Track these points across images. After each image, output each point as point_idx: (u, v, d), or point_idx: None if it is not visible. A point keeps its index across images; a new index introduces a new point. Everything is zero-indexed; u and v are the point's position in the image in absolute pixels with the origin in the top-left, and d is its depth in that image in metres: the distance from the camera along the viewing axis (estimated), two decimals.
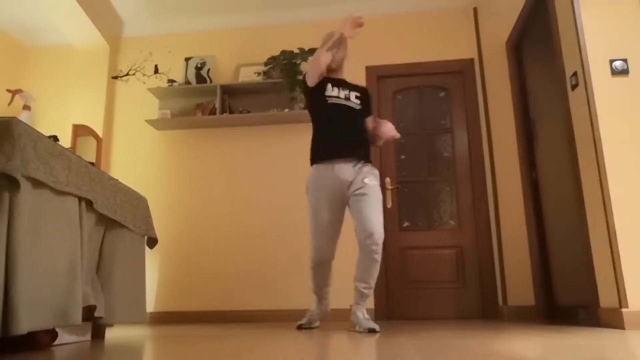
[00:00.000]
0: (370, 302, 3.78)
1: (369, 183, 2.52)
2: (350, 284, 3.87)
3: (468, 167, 4.03)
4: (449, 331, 2.30)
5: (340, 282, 3.69)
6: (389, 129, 2.61)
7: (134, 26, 4.59)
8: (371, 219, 2.44)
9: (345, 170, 2.56)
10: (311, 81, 2.63)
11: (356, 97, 2.69)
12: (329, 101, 2.63)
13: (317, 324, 2.80)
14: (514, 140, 3.67)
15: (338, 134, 2.59)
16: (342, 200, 2.61)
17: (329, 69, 2.71)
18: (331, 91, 2.65)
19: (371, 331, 2.36)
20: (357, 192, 2.52)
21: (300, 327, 2.72)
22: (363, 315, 2.52)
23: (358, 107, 2.66)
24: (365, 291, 2.54)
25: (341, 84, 2.72)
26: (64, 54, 4.69)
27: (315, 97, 2.68)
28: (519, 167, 3.61)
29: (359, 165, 2.58)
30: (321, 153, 2.61)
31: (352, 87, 2.73)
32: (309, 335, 2.24)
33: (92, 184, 2.03)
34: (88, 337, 2.27)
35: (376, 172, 2.63)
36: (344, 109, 2.63)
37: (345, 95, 2.66)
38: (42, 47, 4.75)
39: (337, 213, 2.61)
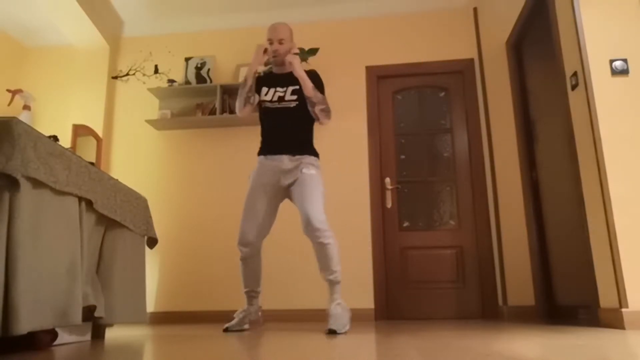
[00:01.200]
0: (370, 302, 3.78)
1: (306, 172, 2.58)
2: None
3: (468, 167, 4.03)
4: (449, 331, 2.30)
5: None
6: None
7: (134, 26, 4.59)
8: (306, 206, 2.48)
9: (283, 160, 2.65)
10: (240, 115, 2.81)
11: (293, 91, 2.71)
12: (262, 105, 2.76)
13: (246, 326, 2.72)
14: (514, 140, 3.67)
15: (272, 135, 2.73)
16: (277, 191, 2.66)
17: (275, 64, 2.80)
18: (264, 95, 2.75)
19: (331, 332, 2.29)
20: (295, 182, 2.60)
21: (226, 330, 2.62)
22: (334, 311, 2.42)
23: (293, 105, 2.70)
24: (331, 277, 2.49)
25: (278, 82, 2.76)
26: (64, 54, 4.69)
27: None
28: (519, 167, 3.61)
29: (297, 156, 2.64)
30: (262, 148, 2.76)
31: (293, 80, 2.73)
32: (309, 336, 2.24)
33: (92, 184, 2.03)
34: (88, 337, 2.27)
35: (316, 162, 2.68)
36: (276, 112, 2.71)
37: (279, 96, 2.72)
38: (42, 47, 4.75)
39: (268, 202, 2.65)
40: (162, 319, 3.95)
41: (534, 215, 3.40)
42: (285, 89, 2.73)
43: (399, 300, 3.87)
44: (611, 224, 2.26)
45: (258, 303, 2.77)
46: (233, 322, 2.66)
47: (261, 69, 2.92)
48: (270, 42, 2.72)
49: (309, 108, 2.67)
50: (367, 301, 3.79)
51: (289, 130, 2.70)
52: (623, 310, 2.14)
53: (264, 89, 2.78)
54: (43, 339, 1.81)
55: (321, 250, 2.49)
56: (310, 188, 2.55)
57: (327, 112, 2.68)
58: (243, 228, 2.63)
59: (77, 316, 1.78)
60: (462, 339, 1.82)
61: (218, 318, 3.89)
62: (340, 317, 2.40)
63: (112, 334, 2.61)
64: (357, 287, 3.82)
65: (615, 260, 2.23)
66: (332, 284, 2.50)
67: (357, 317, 3.74)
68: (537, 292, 3.32)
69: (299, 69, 2.63)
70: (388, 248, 3.94)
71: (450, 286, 3.84)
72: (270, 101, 2.73)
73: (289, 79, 2.74)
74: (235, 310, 3.89)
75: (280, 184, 2.65)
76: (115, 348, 1.79)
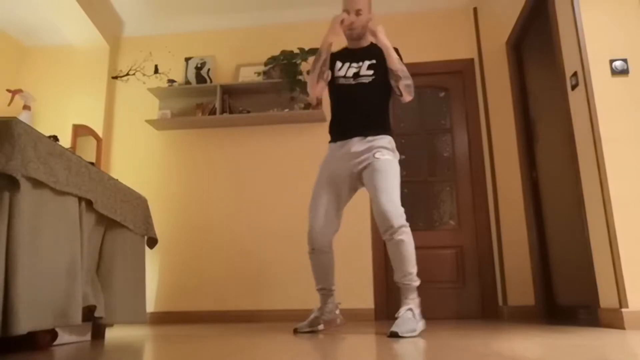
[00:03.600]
0: (370, 302, 3.78)
1: (379, 157, 2.32)
2: (349, 283, 3.84)
3: (468, 167, 4.03)
4: (449, 331, 2.29)
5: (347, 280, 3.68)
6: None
7: (134, 26, 4.59)
8: (381, 199, 2.22)
9: (354, 143, 2.40)
10: (310, 98, 2.63)
11: (369, 66, 2.46)
12: (336, 82, 2.51)
13: (320, 327, 2.46)
14: (514, 140, 3.67)
15: (344, 116, 2.47)
16: (348, 180, 2.43)
17: (350, 38, 2.54)
18: (339, 70, 2.51)
19: (393, 335, 2.02)
20: (367, 168, 2.34)
21: (295, 331, 2.42)
22: (401, 314, 2.14)
23: (369, 80, 2.44)
24: (406, 282, 2.19)
25: (353, 57, 2.52)
26: (64, 54, 4.69)
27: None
28: (519, 167, 3.61)
29: (370, 138, 2.38)
30: (332, 133, 2.52)
31: (369, 54, 2.50)
32: (309, 336, 2.24)
33: (92, 184, 2.03)
34: (88, 337, 2.27)
35: (390, 144, 2.41)
36: (350, 90, 2.46)
37: (354, 72, 2.47)
38: (42, 47, 4.75)
39: (336, 194, 2.43)
40: (162, 319, 3.95)
41: (534, 215, 3.40)
42: (360, 63, 2.47)
43: (399, 300, 3.85)
44: (611, 224, 2.26)
45: (334, 301, 2.52)
46: (304, 322, 2.45)
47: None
48: (347, 12, 2.44)
49: (392, 83, 2.41)
50: (367, 301, 3.79)
51: (363, 108, 2.44)
52: (623, 310, 2.14)
53: (338, 64, 2.52)
54: (43, 339, 1.81)
55: (395, 249, 2.20)
56: (385, 176, 2.27)
57: (411, 87, 2.41)
58: (310, 222, 2.42)
59: (77, 316, 1.78)
60: (462, 339, 1.81)
61: (218, 318, 3.89)
62: (407, 321, 2.09)
63: (112, 334, 2.61)
64: (357, 287, 3.82)
65: (615, 260, 2.23)
66: (406, 289, 2.21)
67: (357, 317, 3.74)
68: (537, 292, 3.32)
69: (384, 39, 2.36)
70: None
71: (450, 286, 3.84)
72: (344, 77, 2.48)
73: (365, 53, 2.50)
74: (235, 310, 3.90)
75: (351, 171, 2.40)
76: (115, 348, 1.79)
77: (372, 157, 2.33)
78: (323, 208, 2.41)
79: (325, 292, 2.49)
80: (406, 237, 2.19)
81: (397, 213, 2.19)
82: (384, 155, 2.33)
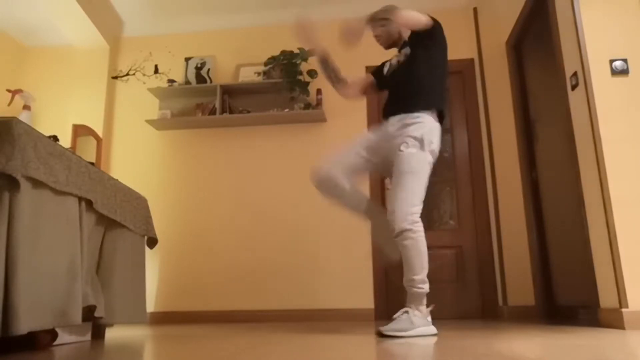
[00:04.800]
0: (370, 302, 3.78)
1: (404, 151, 2.19)
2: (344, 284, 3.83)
3: (468, 167, 4.03)
4: (449, 331, 2.29)
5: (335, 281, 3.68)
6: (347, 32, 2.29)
7: (134, 26, 4.59)
8: (392, 200, 2.14)
9: (392, 123, 2.30)
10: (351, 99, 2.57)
11: (405, 54, 2.40)
12: (383, 83, 2.53)
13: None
14: (514, 140, 3.67)
15: (386, 100, 2.43)
16: (382, 153, 2.32)
17: (388, 46, 2.49)
18: (385, 72, 2.51)
19: (378, 333, 2.02)
20: (394, 160, 2.23)
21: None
22: (396, 315, 2.10)
23: (401, 62, 2.39)
24: (407, 287, 2.13)
25: (395, 54, 2.50)
26: (64, 54, 4.69)
27: None
28: (519, 167, 3.61)
29: (404, 118, 2.25)
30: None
31: (404, 44, 2.44)
32: (307, 335, 2.24)
33: (92, 184, 2.03)
34: (88, 337, 2.27)
35: (423, 128, 2.22)
36: (388, 78, 2.46)
37: (395, 62, 2.44)
38: (42, 47, 4.74)
39: (369, 151, 2.32)
40: (162, 319, 3.95)
41: (534, 215, 3.40)
42: (398, 55, 2.46)
43: (399, 300, 3.86)
44: (611, 224, 2.26)
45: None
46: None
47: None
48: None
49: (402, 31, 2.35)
50: (367, 301, 3.79)
51: (396, 89, 2.38)
52: (623, 310, 2.14)
53: (384, 69, 2.53)
54: (43, 339, 1.81)
55: (402, 252, 2.13)
56: (400, 176, 2.16)
57: (412, 20, 2.25)
58: (328, 157, 2.32)
59: (77, 316, 1.78)
60: (462, 339, 1.81)
61: (218, 318, 3.89)
62: (398, 321, 2.05)
63: (112, 334, 2.61)
64: (357, 287, 3.82)
65: (615, 260, 2.23)
66: (411, 295, 2.12)
67: (357, 317, 3.74)
68: (537, 292, 3.32)
69: (359, 29, 2.25)
70: None
71: (450, 286, 3.84)
72: (386, 74, 2.50)
73: (400, 49, 2.46)
74: (235, 310, 3.90)
75: (385, 155, 2.30)
76: (115, 348, 1.79)
77: (398, 150, 2.20)
78: (351, 153, 2.31)
79: (354, 205, 2.34)
80: (409, 242, 2.10)
81: (400, 217, 2.09)
82: (408, 149, 2.18)
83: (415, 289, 2.11)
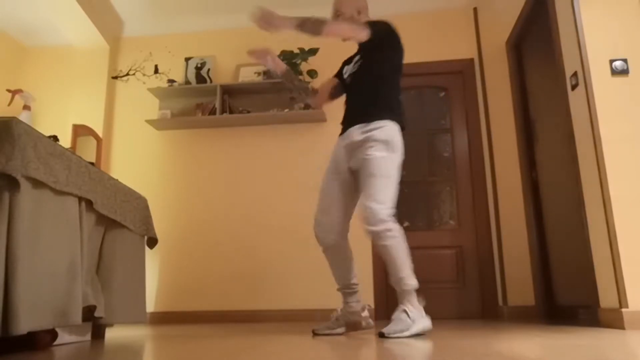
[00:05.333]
0: (370, 302, 3.78)
1: (370, 155, 2.17)
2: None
3: (468, 167, 4.03)
4: (449, 331, 2.29)
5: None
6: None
7: (134, 26, 4.59)
8: (364, 200, 2.14)
9: (353, 133, 2.27)
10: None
11: (359, 58, 2.39)
12: (344, 87, 2.50)
13: (339, 330, 2.29)
14: (514, 140, 3.67)
15: (346, 107, 2.42)
16: (349, 173, 2.32)
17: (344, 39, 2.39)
18: (344, 77, 2.49)
19: (381, 335, 2.02)
20: (362, 166, 2.22)
21: (314, 333, 2.27)
22: (394, 315, 2.10)
23: (357, 68, 2.37)
24: (397, 287, 2.12)
25: (351, 58, 2.49)
26: (64, 54, 4.69)
27: None
28: (519, 167, 3.61)
29: (365, 124, 2.23)
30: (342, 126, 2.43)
31: (358, 50, 2.45)
32: (307, 336, 2.24)
33: (92, 184, 2.03)
34: (88, 337, 2.27)
35: (387, 133, 2.20)
36: (347, 87, 2.45)
37: (350, 68, 2.43)
38: (42, 47, 4.74)
39: (340, 186, 2.32)
40: (162, 319, 3.95)
41: (534, 215, 3.40)
42: (352, 61, 2.44)
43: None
44: (611, 224, 2.26)
45: (355, 299, 2.31)
46: (323, 324, 2.31)
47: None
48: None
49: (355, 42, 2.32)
50: (367, 301, 3.78)
51: (356, 97, 2.35)
52: (623, 310, 2.14)
53: (343, 69, 2.51)
54: (43, 339, 1.81)
55: (382, 254, 2.13)
56: (371, 174, 2.15)
57: (345, 34, 2.23)
58: (315, 216, 2.33)
59: (77, 316, 1.78)
60: (462, 339, 1.81)
61: (218, 318, 3.89)
62: (398, 322, 2.05)
63: (112, 334, 2.61)
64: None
65: (615, 260, 2.23)
66: (400, 293, 2.12)
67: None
68: (537, 292, 3.32)
69: (284, 23, 2.22)
70: None
71: (450, 286, 3.84)
72: (345, 78, 2.48)
73: (358, 50, 2.43)
74: (235, 310, 3.90)
75: (349, 165, 2.30)
76: (115, 348, 1.79)
77: (365, 154, 2.19)
78: (328, 198, 2.32)
79: (346, 290, 2.31)
80: (390, 241, 2.09)
81: (376, 218, 2.09)
82: (376, 152, 2.17)
83: (406, 287, 2.11)
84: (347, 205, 2.34)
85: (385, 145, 2.19)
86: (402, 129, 2.31)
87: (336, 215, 2.31)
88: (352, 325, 2.29)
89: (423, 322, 2.11)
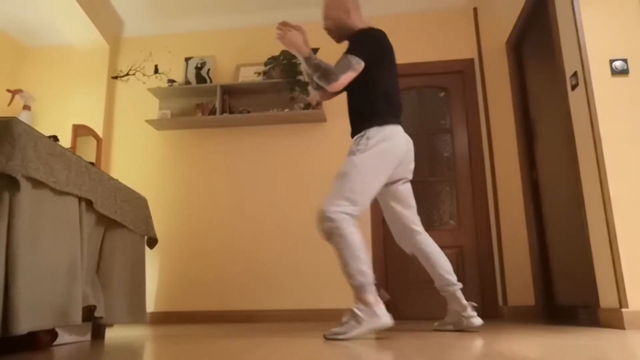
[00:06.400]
0: None
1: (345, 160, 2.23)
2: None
3: (468, 167, 4.03)
4: (448, 331, 2.29)
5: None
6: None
7: (134, 26, 4.59)
8: None
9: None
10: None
11: None
12: None
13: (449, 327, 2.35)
14: (514, 140, 3.67)
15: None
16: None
17: (339, 40, 2.47)
18: None
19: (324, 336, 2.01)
20: None
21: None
22: (347, 318, 2.03)
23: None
24: (350, 283, 2.07)
25: None
26: (64, 54, 4.69)
27: None
28: (519, 167, 3.61)
29: (355, 141, 2.26)
30: None
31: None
32: (308, 335, 2.24)
33: (92, 184, 2.03)
34: (88, 337, 2.27)
35: (365, 140, 2.19)
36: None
37: None
38: (42, 47, 4.75)
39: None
40: (162, 319, 3.95)
41: (534, 215, 3.40)
42: None
43: (399, 300, 3.86)
44: (611, 224, 2.26)
45: (458, 301, 2.32)
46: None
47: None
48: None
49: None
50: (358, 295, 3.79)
51: (349, 104, 2.38)
52: (623, 310, 2.14)
53: None
54: (43, 339, 1.81)
55: (335, 251, 2.15)
56: (337, 174, 2.18)
57: (326, 77, 2.20)
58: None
59: (77, 316, 1.78)
60: (462, 339, 1.81)
61: (218, 318, 3.89)
62: (344, 323, 2.02)
63: (112, 334, 2.61)
64: None
65: (615, 260, 2.23)
66: (353, 289, 2.07)
67: None
68: (537, 292, 3.32)
69: (290, 46, 2.23)
70: (388, 248, 3.93)
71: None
72: None
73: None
74: (235, 310, 3.90)
75: None
76: (115, 348, 1.79)
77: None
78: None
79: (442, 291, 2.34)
80: (335, 238, 2.06)
81: (320, 219, 2.09)
82: (350, 155, 2.20)
83: (354, 282, 2.03)
84: (393, 212, 2.37)
85: (359, 147, 2.19)
86: (394, 122, 2.26)
87: (392, 225, 2.40)
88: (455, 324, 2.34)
89: (374, 321, 1.98)
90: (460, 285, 2.33)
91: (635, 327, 2.10)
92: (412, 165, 2.38)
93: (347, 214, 2.08)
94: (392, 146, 2.21)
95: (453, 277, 2.33)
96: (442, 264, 2.33)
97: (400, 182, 2.36)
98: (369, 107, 2.26)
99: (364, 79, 2.26)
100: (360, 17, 2.44)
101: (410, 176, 2.39)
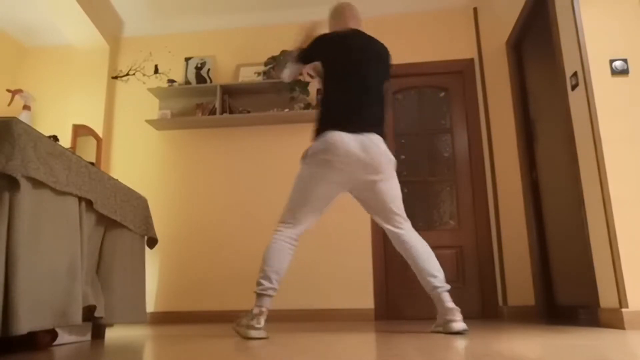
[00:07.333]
0: (370, 302, 3.78)
1: None
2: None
3: (468, 167, 4.03)
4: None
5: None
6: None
7: (134, 26, 4.59)
8: None
9: None
10: None
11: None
12: None
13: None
14: (514, 140, 3.67)
15: None
16: None
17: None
18: None
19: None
20: None
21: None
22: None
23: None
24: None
25: None
26: (64, 54, 4.69)
27: None
28: (519, 167, 3.61)
29: None
30: None
31: None
32: (308, 336, 2.24)
33: (92, 184, 2.03)
34: (88, 337, 2.27)
35: (309, 149, 2.26)
36: None
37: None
38: (42, 47, 4.75)
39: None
40: (162, 319, 3.95)
41: (534, 215, 3.40)
42: None
43: (399, 300, 3.86)
44: (611, 224, 2.26)
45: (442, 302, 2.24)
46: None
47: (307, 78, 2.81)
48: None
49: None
50: (367, 301, 3.79)
51: None
52: (623, 310, 2.14)
53: None
54: (43, 339, 1.81)
55: None
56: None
57: (285, 71, 2.51)
58: None
59: (77, 316, 1.78)
60: (462, 339, 1.81)
61: (218, 318, 3.89)
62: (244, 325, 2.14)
63: (112, 334, 2.61)
64: (357, 287, 3.82)
65: (615, 260, 2.23)
66: None
67: (357, 317, 3.75)
68: (537, 292, 3.32)
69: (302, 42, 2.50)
70: (388, 248, 3.93)
71: (450, 286, 3.83)
72: None
73: None
74: (235, 310, 3.90)
75: None
76: (115, 348, 1.79)
77: None
78: None
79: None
80: (268, 245, 2.22)
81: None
82: None
83: (258, 290, 2.16)
84: (375, 218, 2.45)
85: (303, 158, 2.29)
86: (335, 128, 2.20)
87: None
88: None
89: (249, 330, 2.09)
90: (446, 287, 2.23)
91: (635, 327, 2.10)
92: (382, 167, 2.21)
93: (284, 223, 2.26)
94: (322, 151, 2.18)
95: (436, 280, 2.22)
96: (426, 267, 2.24)
97: (369, 185, 2.26)
98: (321, 117, 2.28)
99: (323, 89, 2.33)
100: (339, 25, 2.50)
101: (380, 177, 2.23)
